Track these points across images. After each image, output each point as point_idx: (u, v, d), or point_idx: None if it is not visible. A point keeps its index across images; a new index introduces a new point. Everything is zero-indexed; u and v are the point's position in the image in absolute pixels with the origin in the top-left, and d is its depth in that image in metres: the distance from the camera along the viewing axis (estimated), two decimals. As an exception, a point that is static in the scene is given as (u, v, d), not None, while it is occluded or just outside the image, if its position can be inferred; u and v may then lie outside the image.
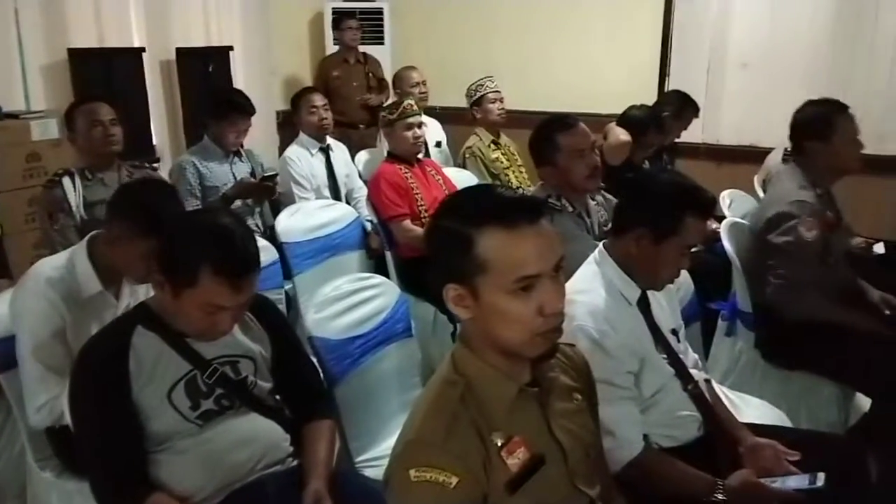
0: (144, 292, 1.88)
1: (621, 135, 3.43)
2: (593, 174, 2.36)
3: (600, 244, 1.75)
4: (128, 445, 1.45)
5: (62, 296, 1.78)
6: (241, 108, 3.34)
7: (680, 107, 3.93)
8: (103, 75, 3.97)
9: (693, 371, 1.78)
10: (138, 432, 1.47)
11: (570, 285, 1.66)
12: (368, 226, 3.39)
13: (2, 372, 1.85)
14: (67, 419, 1.71)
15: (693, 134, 4.39)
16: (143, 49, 4.24)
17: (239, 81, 4.74)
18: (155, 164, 3.55)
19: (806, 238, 2.33)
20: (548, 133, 2.36)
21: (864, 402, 2.48)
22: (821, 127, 2.44)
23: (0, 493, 2.16)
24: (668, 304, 1.83)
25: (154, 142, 4.32)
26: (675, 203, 1.60)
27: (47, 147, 3.58)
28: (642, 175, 1.77)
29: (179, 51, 4.42)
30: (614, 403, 1.54)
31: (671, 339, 1.74)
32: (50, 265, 1.85)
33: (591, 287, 1.66)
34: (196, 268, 1.40)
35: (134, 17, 4.30)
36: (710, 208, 1.70)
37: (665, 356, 1.70)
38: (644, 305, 1.70)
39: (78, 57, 3.88)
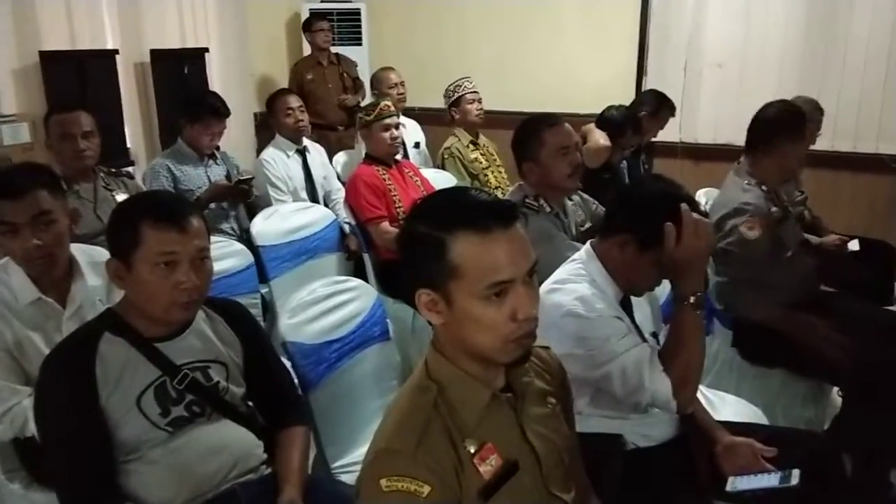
0: (104, 294, 1.85)
1: (601, 139, 3.44)
2: (575, 173, 2.36)
3: (588, 244, 1.75)
4: (96, 455, 1.42)
5: None
6: (216, 110, 3.31)
7: (656, 106, 3.95)
8: (76, 78, 3.91)
9: None
10: (107, 441, 1.44)
11: (553, 278, 1.69)
12: (346, 228, 3.37)
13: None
14: (30, 430, 1.68)
15: (670, 133, 4.42)
16: (116, 51, 4.18)
17: (215, 83, 4.69)
18: (130, 169, 3.50)
19: (748, 237, 2.36)
20: (533, 129, 2.36)
21: (839, 398, 2.50)
22: (793, 128, 2.48)
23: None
24: (650, 307, 1.84)
25: (128, 145, 4.27)
26: (663, 213, 1.57)
27: (18, 151, 3.53)
28: (637, 180, 1.76)
29: (154, 53, 4.37)
30: (621, 356, 1.55)
31: (651, 341, 1.73)
32: None
33: (574, 280, 1.66)
34: (136, 225, 1.42)
35: (107, 19, 4.24)
36: None
37: None
38: (626, 307, 1.70)
39: (50, 60, 3.82)
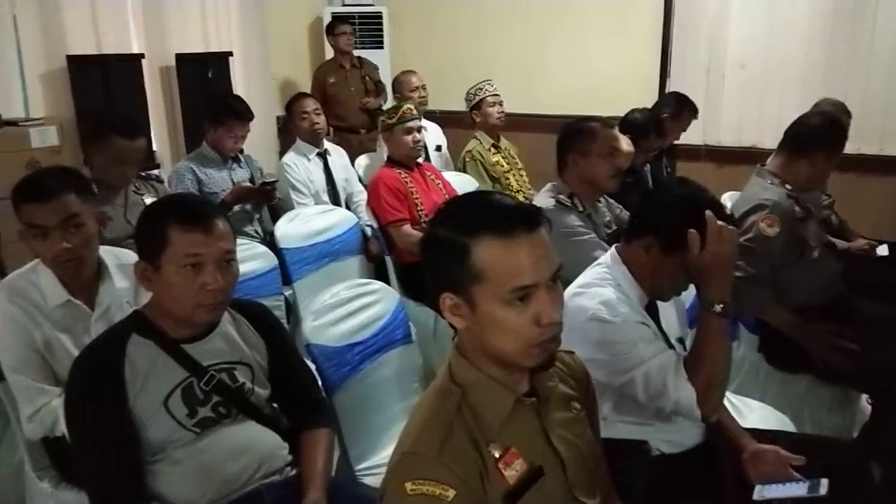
0: (131, 296, 1.87)
1: (625, 144, 3.41)
2: (615, 176, 2.46)
3: (612, 248, 1.74)
4: (124, 456, 1.44)
5: (25, 309, 1.77)
6: (239, 113, 3.34)
7: (678, 108, 3.92)
8: (103, 82, 3.96)
9: None
10: (135, 442, 1.45)
11: (577, 282, 1.69)
12: (368, 231, 3.38)
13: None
14: (59, 430, 1.71)
15: (694, 136, 4.38)
16: (142, 55, 4.23)
17: (238, 87, 4.73)
18: (156, 172, 3.54)
19: (766, 233, 2.35)
20: (587, 125, 2.46)
21: (868, 406, 2.46)
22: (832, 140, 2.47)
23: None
24: (676, 311, 1.82)
25: (154, 148, 4.32)
26: (690, 216, 1.56)
27: (47, 154, 3.57)
28: (662, 183, 1.77)
29: (179, 57, 4.41)
30: (646, 362, 1.54)
31: (678, 347, 1.72)
32: (13, 278, 1.84)
33: (599, 284, 1.66)
34: (163, 228, 1.44)
35: (133, 24, 4.30)
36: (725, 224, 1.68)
37: None
38: (652, 312, 1.68)
39: (77, 64, 3.87)
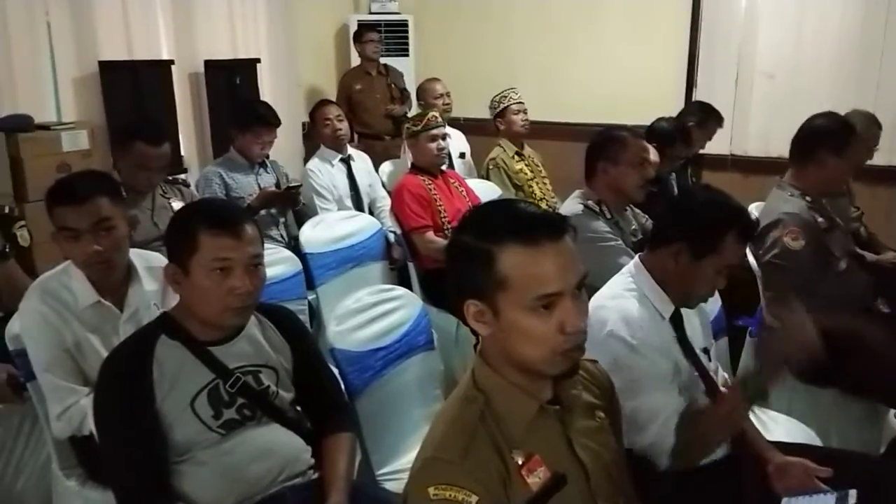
0: (159, 298, 1.90)
1: (651, 155, 3.40)
2: (644, 186, 2.48)
3: (636, 257, 1.74)
4: (152, 455, 1.46)
5: (56, 310, 1.80)
6: (267, 119, 3.38)
7: (703, 117, 3.90)
8: (133, 87, 4.04)
9: (723, 390, 1.75)
10: (162, 442, 1.47)
11: (602, 292, 1.68)
12: (391, 236, 3.40)
13: (29, 381, 1.88)
14: (87, 428, 1.73)
15: (720, 145, 4.35)
16: (171, 62, 4.30)
17: (265, 93, 4.79)
18: (183, 177, 3.59)
19: (792, 248, 2.32)
20: (618, 133, 2.48)
21: (896, 420, 2.42)
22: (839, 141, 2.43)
23: (27, 501, 2.19)
24: (700, 321, 1.80)
25: (182, 152, 4.38)
26: (718, 221, 1.59)
27: (77, 158, 3.64)
28: (687, 190, 1.78)
29: (207, 63, 4.48)
30: (652, 394, 1.53)
31: (702, 357, 1.71)
32: (45, 279, 1.87)
33: (623, 295, 1.65)
34: (193, 232, 1.47)
35: (163, 30, 4.37)
36: (751, 230, 1.70)
37: (696, 375, 1.67)
38: (677, 322, 1.67)
39: (108, 69, 3.95)
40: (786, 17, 4.48)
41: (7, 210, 2.38)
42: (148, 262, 1.97)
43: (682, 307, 1.69)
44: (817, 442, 2.04)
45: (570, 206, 2.51)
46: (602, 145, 2.49)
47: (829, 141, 2.42)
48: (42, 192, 3.51)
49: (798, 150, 2.49)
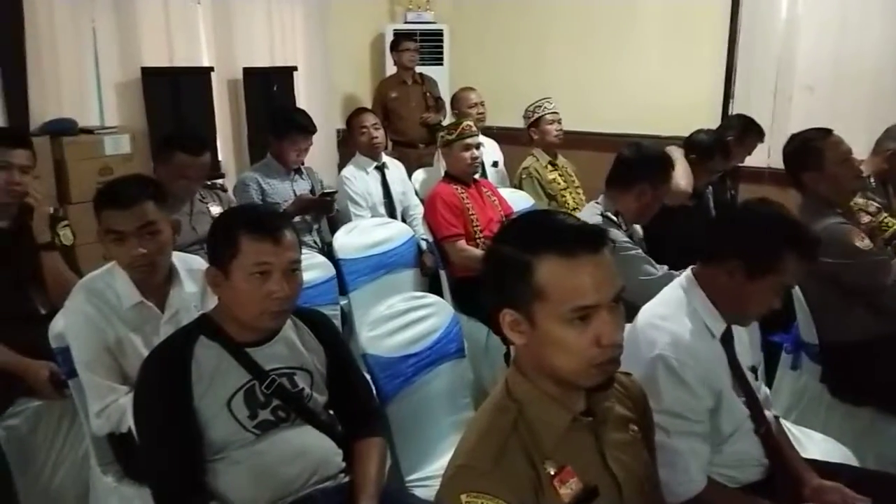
0: (198, 300, 1.94)
1: (681, 181, 3.32)
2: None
3: (689, 270, 1.68)
4: (188, 453, 1.49)
5: (100, 309, 1.85)
6: (303, 127, 3.43)
7: (743, 131, 3.84)
8: (173, 93, 4.13)
9: (767, 413, 1.71)
10: (198, 441, 1.50)
11: (654, 309, 1.63)
12: (423, 244, 3.41)
13: (70, 378, 1.93)
14: (125, 426, 1.77)
15: (758, 158, 4.28)
16: (211, 69, 4.39)
17: (301, 101, 4.85)
18: (221, 181, 3.66)
19: (863, 247, 2.28)
20: (668, 159, 2.54)
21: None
22: (811, 156, 2.42)
23: (64, 495, 2.24)
24: (750, 338, 1.75)
25: (219, 158, 4.46)
26: (777, 239, 1.52)
27: (119, 161, 3.73)
28: (744, 204, 1.71)
29: (246, 70, 4.56)
30: (684, 437, 1.49)
31: (750, 376, 1.66)
32: (91, 279, 1.92)
33: (675, 314, 1.59)
34: (234, 236, 1.49)
35: (203, 38, 4.47)
36: (813, 248, 1.59)
37: (742, 395, 1.62)
38: (727, 340, 1.62)
39: (150, 75, 4.05)
40: (827, 30, 4.40)
41: (52, 210, 2.45)
42: (188, 264, 2.01)
43: (734, 324, 1.64)
44: (854, 462, 1.99)
45: (589, 214, 2.51)
46: (638, 167, 2.48)
47: (802, 163, 2.45)
48: (85, 195, 3.63)
49: (793, 182, 2.52)
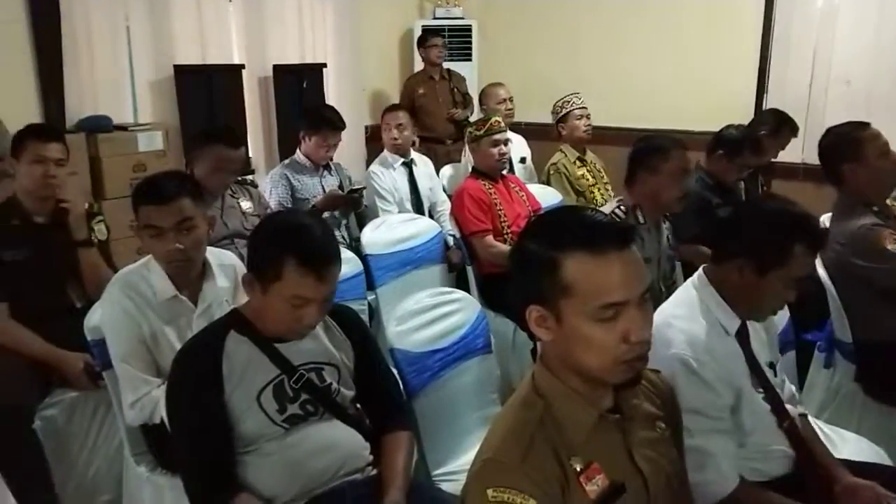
0: (230, 295, 1.97)
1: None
2: (683, 198, 2.47)
3: (700, 269, 1.68)
4: (219, 445, 1.51)
5: (136, 302, 1.88)
6: (333, 123, 3.45)
7: (777, 126, 3.78)
8: (205, 91, 4.18)
9: (788, 406, 1.70)
10: (229, 433, 1.53)
11: (669, 309, 1.63)
12: (451, 240, 3.42)
13: (105, 370, 1.98)
14: (157, 417, 1.81)
15: (792, 154, 4.21)
16: (242, 66, 4.44)
17: (330, 97, 4.88)
18: (250, 178, 3.70)
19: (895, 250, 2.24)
20: (657, 146, 2.47)
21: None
22: (850, 148, 2.37)
23: (98, 485, 2.29)
24: (767, 334, 1.74)
25: (250, 154, 4.51)
26: (783, 232, 1.51)
27: (152, 158, 3.79)
28: (748, 201, 1.69)
29: (276, 68, 4.60)
30: (709, 436, 1.48)
31: (768, 372, 1.65)
32: (127, 272, 1.96)
33: (689, 313, 1.60)
34: (280, 262, 1.46)
35: (235, 36, 4.51)
36: (821, 239, 1.60)
37: (761, 391, 1.62)
38: (743, 336, 1.62)
39: (183, 73, 4.10)
40: (864, 21, 4.30)
41: (87, 206, 2.50)
42: (220, 259, 2.05)
43: (749, 320, 1.63)
44: (887, 462, 1.95)
45: (606, 210, 2.47)
46: (641, 157, 2.47)
47: (840, 155, 2.40)
48: (119, 191, 3.70)
49: (828, 175, 2.48)
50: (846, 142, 2.39)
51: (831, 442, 1.92)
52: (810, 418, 1.88)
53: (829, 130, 2.50)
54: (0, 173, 3.17)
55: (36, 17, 3.54)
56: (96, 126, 3.68)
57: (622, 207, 2.47)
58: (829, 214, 2.94)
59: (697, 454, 1.45)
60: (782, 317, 2.18)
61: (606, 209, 2.49)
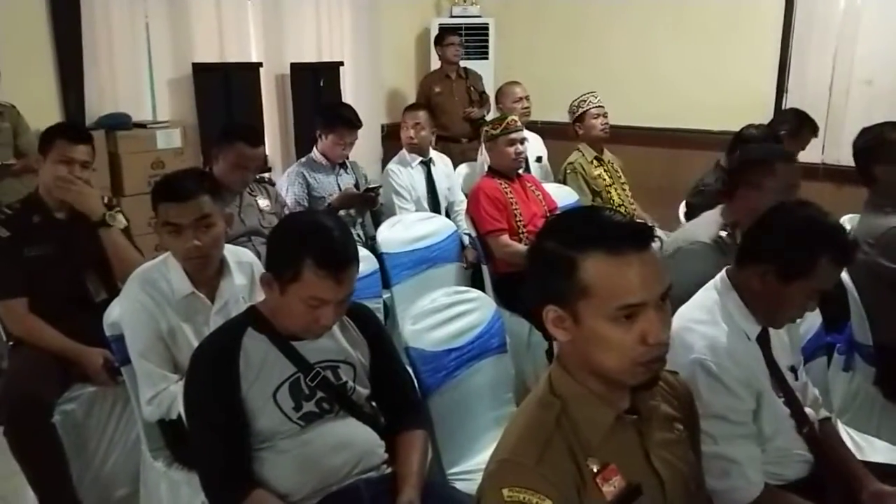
0: (247, 292, 1.98)
1: None
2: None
3: (723, 271, 1.65)
4: (235, 441, 1.52)
5: (155, 298, 1.90)
6: (349, 121, 3.46)
7: (796, 126, 3.73)
8: (223, 89, 4.22)
9: (808, 411, 1.67)
10: (245, 430, 1.53)
11: (689, 313, 1.60)
12: (466, 239, 3.41)
13: (123, 366, 1.99)
14: (175, 413, 1.82)
15: (812, 154, 4.16)
16: (260, 64, 4.46)
17: (348, 95, 4.90)
18: (266, 175, 3.72)
19: None
20: (765, 158, 2.27)
21: None
22: (884, 149, 2.37)
23: (115, 479, 2.31)
24: (789, 338, 1.71)
25: (266, 152, 4.52)
26: (811, 242, 1.48)
27: (171, 155, 3.83)
28: (779, 205, 1.64)
29: (293, 66, 4.62)
30: (733, 441, 1.47)
31: (789, 376, 1.63)
32: (146, 269, 1.98)
33: (710, 317, 1.57)
34: (299, 262, 1.47)
35: (253, 34, 4.55)
36: (849, 253, 1.55)
37: (781, 395, 1.60)
38: (763, 341, 1.60)
39: (201, 71, 4.14)
40: (887, 20, 4.25)
41: (105, 200, 2.49)
42: (238, 257, 2.06)
43: (769, 327, 1.61)
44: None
45: (707, 229, 2.22)
46: (745, 168, 2.27)
47: (874, 155, 2.41)
48: (137, 187, 3.73)
49: (862, 176, 2.48)
50: (880, 143, 2.38)
51: (859, 447, 1.90)
52: (840, 424, 1.85)
53: (864, 130, 2.48)
54: (24, 169, 3.22)
55: (56, 15, 3.59)
56: (115, 123, 3.72)
57: (727, 229, 2.20)
58: (850, 216, 2.91)
59: (722, 461, 1.44)
60: (815, 319, 2.12)
61: (708, 233, 2.21)
